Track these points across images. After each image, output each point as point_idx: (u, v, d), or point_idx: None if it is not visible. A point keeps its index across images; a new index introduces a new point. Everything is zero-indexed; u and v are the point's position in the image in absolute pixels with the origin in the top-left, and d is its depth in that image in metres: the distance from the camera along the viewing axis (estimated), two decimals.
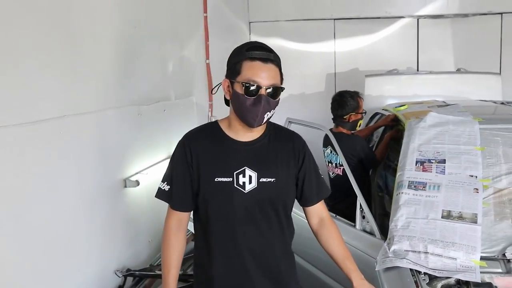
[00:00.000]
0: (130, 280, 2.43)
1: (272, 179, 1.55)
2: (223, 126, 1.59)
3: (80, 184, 2.20)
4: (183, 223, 1.60)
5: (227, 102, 1.59)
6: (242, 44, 1.55)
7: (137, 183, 2.55)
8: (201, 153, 1.54)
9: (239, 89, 1.48)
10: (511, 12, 4.87)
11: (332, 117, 3.02)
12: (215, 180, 1.52)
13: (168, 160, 1.63)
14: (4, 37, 1.72)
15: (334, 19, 5.18)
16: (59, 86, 2.05)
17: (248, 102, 1.46)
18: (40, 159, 1.93)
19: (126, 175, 2.58)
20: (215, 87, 1.65)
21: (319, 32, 5.22)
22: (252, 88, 1.45)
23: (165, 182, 1.59)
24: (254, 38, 5.31)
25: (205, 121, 3.89)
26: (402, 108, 2.98)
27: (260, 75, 1.46)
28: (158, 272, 2.43)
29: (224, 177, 1.52)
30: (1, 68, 1.70)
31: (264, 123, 1.53)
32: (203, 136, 1.58)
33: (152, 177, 2.75)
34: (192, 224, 1.65)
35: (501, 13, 4.90)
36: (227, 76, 1.53)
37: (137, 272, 2.37)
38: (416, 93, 3.90)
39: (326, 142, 2.98)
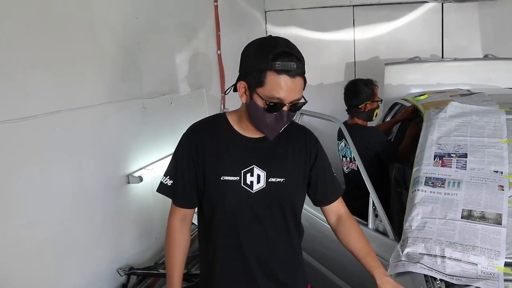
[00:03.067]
0: (134, 278, 2.36)
1: (282, 179, 1.44)
2: (232, 120, 1.47)
3: (78, 180, 2.12)
4: (188, 219, 1.52)
5: (236, 90, 1.43)
6: (265, 43, 1.33)
7: (140, 179, 2.46)
8: (207, 149, 1.43)
9: (260, 102, 1.33)
10: None
11: (346, 108, 2.84)
12: (221, 179, 1.41)
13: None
14: None
15: (353, 5, 4.98)
16: (52, 81, 1.96)
17: (269, 118, 1.34)
18: (32, 157, 1.85)
19: (129, 171, 2.50)
20: (228, 89, 1.49)
21: (337, 20, 5.03)
22: (275, 105, 1.32)
23: (168, 177, 1.49)
24: (270, 27, 5.17)
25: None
26: (422, 97, 2.78)
27: (286, 91, 1.29)
28: (161, 271, 2.34)
29: (230, 176, 1.41)
30: None
31: None
32: (210, 130, 1.46)
33: (157, 173, 2.65)
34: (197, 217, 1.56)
35: None
36: (243, 79, 1.35)
37: (139, 271, 2.29)
38: (440, 81, 3.66)
39: (340, 135, 2.82)
